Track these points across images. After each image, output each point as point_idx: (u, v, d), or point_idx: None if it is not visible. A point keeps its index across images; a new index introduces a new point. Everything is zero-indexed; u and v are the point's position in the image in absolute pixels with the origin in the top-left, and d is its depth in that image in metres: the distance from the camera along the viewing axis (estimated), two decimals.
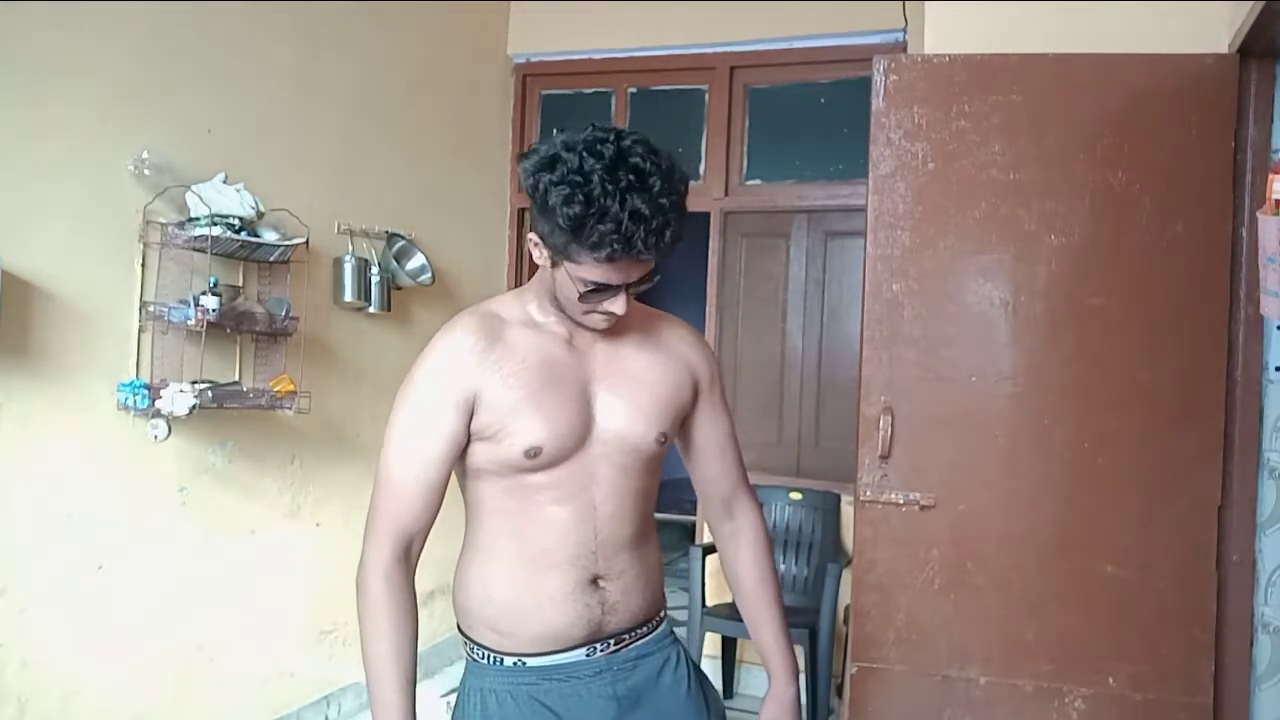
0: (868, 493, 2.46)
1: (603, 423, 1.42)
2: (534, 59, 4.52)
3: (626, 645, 1.49)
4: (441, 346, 1.39)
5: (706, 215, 4.23)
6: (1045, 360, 2.42)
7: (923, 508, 2.43)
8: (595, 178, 1.21)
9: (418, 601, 1.45)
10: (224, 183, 2.91)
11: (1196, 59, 2.34)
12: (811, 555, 3.82)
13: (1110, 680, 2.37)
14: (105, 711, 2.69)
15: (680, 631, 1.71)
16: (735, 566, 1.62)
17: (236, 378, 3.02)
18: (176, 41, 2.84)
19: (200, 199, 2.78)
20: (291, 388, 3.06)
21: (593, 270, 1.29)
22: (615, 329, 1.44)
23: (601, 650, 1.46)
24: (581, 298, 1.33)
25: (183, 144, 2.85)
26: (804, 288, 4.24)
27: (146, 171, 2.70)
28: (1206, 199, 2.34)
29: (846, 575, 3.03)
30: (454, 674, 4.13)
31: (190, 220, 2.78)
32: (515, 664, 1.44)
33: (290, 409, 3.06)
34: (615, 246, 1.23)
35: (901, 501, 2.44)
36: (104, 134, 2.64)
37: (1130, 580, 2.36)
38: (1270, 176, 1.92)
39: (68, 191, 2.56)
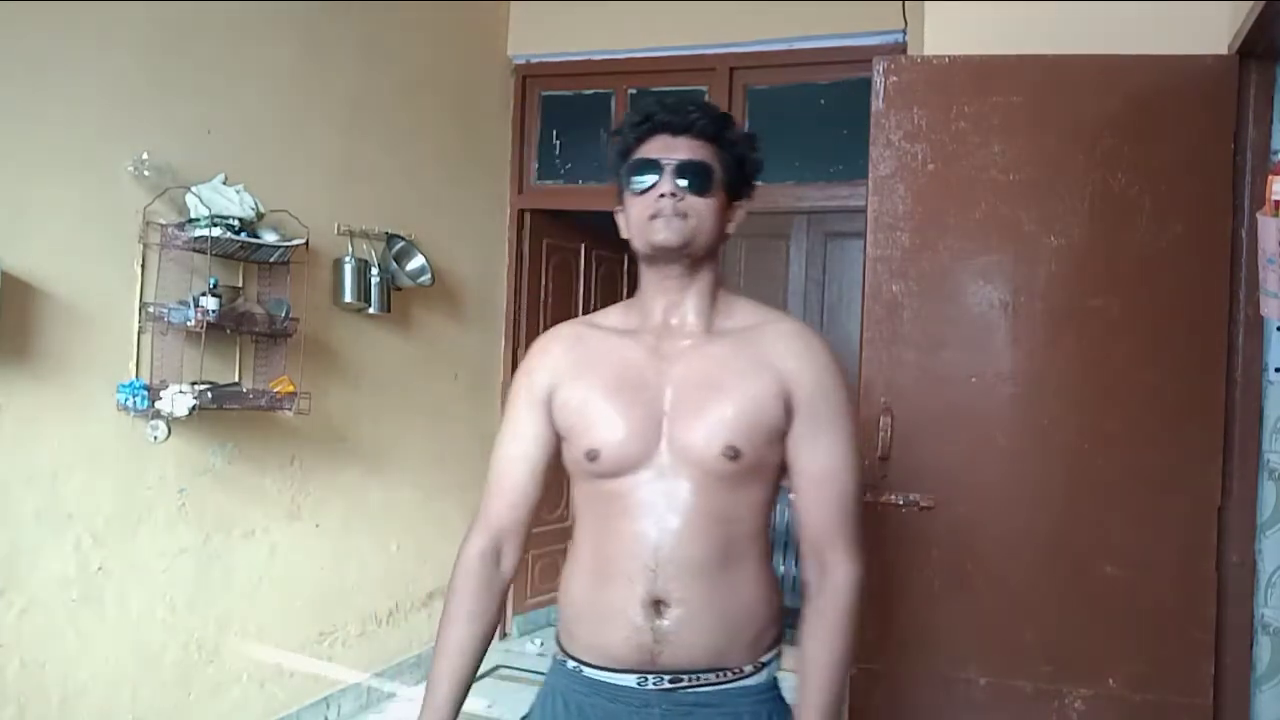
0: (867, 494, 2.46)
1: (670, 433, 1.36)
2: (534, 60, 4.52)
3: (685, 687, 1.36)
4: (531, 352, 1.50)
5: None
6: (1045, 361, 2.42)
7: (922, 508, 2.42)
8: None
9: (450, 611, 1.44)
10: (224, 184, 2.91)
11: (1196, 60, 2.34)
12: None
13: (1110, 681, 2.37)
14: (104, 712, 2.69)
15: None
16: (803, 632, 1.41)
17: (236, 379, 3.02)
18: (176, 42, 2.84)
19: (200, 200, 2.78)
20: (291, 389, 3.06)
21: (637, 155, 1.38)
22: (707, 333, 1.40)
23: (654, 684, 1.36)
24: (633, 190, 1.38)
25: (183, 145, 2.85)
26: (804, 288, 4.25)
27: (146, 172, 2.70)
28: (1206, 200, 2.34)
29: None
30: None
31: (190, 221, 2.78)
32: (575, 669, 1.42)
33: (290, 410, 3.06)
34: (652, 111, 1.38)
35: (901, 503, 2.43)
36: (104, 134, 2.64)
37: (1130, 581, 2.36)
38: (1270, 177, 1.93)
39: (67, 192, 2.56)
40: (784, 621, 1.45)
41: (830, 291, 4.22)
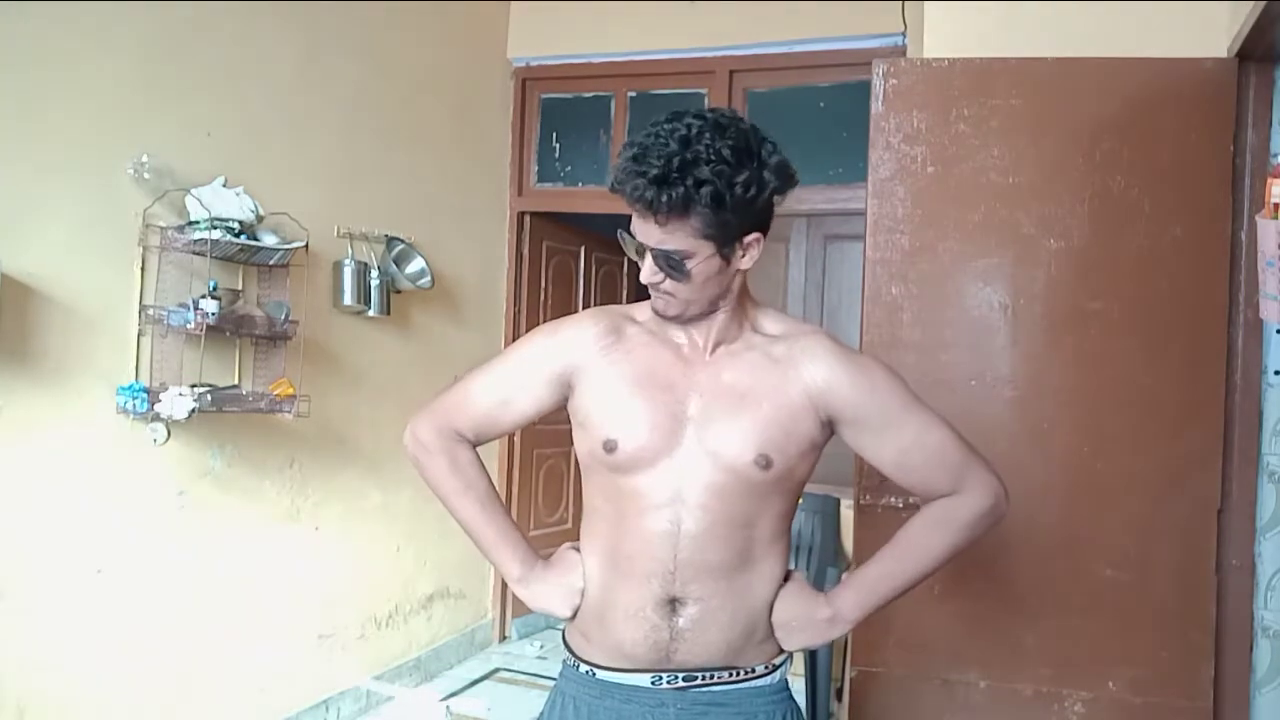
0: (867, 496, 2.46)
1: (695, 437, 1.35)
2: (534, 63, 4.52)
3: (699, 686, 1.37)
4: (567, 321, 1.45)
5: None
6: (1044, 364, 2.42)
7: None
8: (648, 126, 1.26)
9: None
10: (224, 186, 2.91)
11: (1195, 63, 2.34)
12: (811, 559, 3.82)
13: (1110, 684, 2.37)
14: (103, 715, 2.68)
15: None
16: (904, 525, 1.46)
17: (236, 381, 3.02)
18: (176, 43, 2.84)
19: (200, 202, 2.78)
20: (291, 391, 3.06)
21: (634, 222, 1.30)
22: (732, 344, 1.39)
23: (668, 682, 1.37)
24: (634, 257, 1.33)
25: (182, 147, 2.85)
26: (804, 291, 4.25)
27: (146, 175, 2.70)
28: (1205, 203, 2.34)
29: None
30: (455, 677, 4.12)
31: (190, 224, 2.78)
32: (587, 673, 1.42)
33: (289, 413, 3.06)
34: (623, 182, 1.24)
35: (901, 506, 2.43)
36: (104, 136, 2.64)
37: (1130, 584, 2.36)
38: (1269, 180, 1.93)
39: (67, 194, 2.56)
40: None
41: (830, 294, 4.23)
